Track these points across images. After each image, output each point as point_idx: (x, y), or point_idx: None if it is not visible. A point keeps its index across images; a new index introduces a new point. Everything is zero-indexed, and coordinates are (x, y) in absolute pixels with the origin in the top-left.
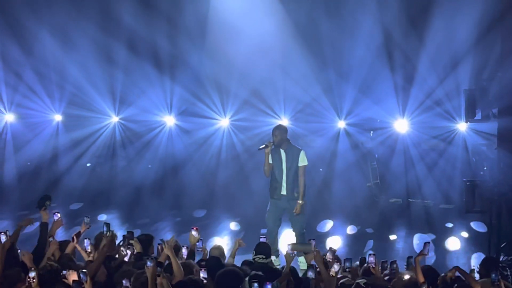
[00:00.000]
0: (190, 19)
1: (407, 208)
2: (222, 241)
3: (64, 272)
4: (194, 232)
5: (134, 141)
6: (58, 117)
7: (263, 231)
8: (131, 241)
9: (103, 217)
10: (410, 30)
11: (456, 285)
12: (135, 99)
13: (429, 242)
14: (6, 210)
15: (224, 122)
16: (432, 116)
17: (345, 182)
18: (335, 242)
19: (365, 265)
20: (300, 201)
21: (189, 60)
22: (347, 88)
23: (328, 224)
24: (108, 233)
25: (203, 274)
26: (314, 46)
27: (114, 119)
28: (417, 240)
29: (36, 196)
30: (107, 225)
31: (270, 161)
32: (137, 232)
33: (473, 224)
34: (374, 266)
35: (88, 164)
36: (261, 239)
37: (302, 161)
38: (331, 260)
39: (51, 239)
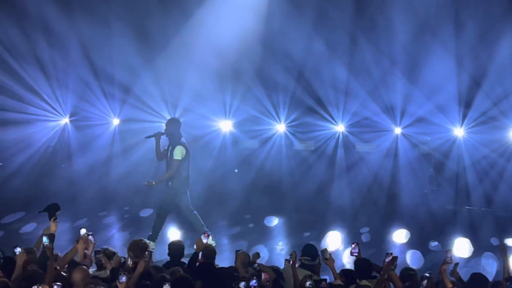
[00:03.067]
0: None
1: (464, 215)
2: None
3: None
4: (203, 238)
5: (194, 143)
6: (116, 121)
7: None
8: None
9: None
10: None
11: None
12: (192, 104)
13: (450, 250)
14: (83, 210)
15: (280, 127)
16: (490, 126)
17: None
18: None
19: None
20: (153, 181)
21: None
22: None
23: (402, 234)
24: (49, 244)
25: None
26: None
27: None
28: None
29: (105, 199)
30: (49, 236)
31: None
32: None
33: None
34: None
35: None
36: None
37: (176, 155)
38: None
39: (17, 250)
